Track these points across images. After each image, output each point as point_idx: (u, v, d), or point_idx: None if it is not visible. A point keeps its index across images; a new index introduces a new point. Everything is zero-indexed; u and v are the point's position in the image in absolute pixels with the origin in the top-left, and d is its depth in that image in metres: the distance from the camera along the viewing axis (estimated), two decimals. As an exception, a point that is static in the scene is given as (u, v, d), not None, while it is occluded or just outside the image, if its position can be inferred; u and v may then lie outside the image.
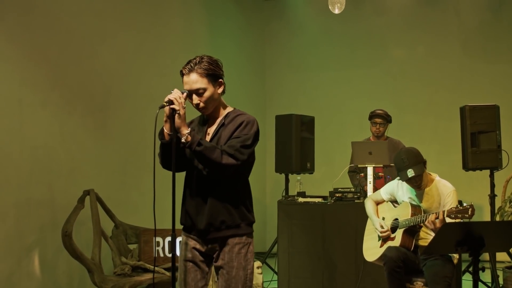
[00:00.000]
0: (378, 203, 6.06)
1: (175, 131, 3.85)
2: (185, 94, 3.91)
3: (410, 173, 5.39)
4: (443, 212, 5.19)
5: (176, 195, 3.77)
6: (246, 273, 4.01)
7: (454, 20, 10.71)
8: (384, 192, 6.00)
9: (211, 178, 3.94)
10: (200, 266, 4.09)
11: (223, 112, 4.10)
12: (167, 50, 8.27)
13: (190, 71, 3.92)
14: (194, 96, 3.95)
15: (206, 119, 4.13)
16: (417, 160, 5.44)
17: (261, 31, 11.63)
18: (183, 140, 3.82)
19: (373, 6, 11.03)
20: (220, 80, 4.02)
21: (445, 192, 5.51)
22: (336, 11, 8.96)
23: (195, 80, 3.92)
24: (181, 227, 4.08)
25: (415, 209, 5.54)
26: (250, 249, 4.06)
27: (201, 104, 3.96)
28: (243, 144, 3.91)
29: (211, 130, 4.06)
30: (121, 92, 7.42)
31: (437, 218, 5.20)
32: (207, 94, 3.95)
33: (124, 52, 7.50)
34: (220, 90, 4.04)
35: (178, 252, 4.12)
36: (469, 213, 5.00)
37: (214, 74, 3.97)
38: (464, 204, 5.06)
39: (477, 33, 10.55)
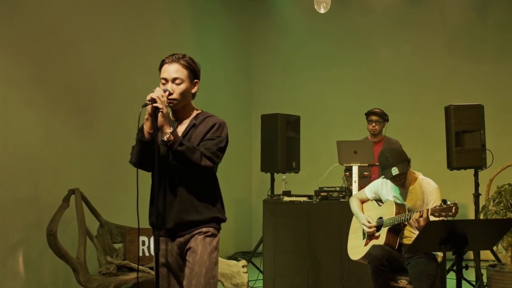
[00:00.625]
0: (363, 201, 6.08)
1: (157, 129, 3.85)
2: (167, 92, 3.92)
3: (395, 171, 5.41)
4: (427, 210, 5.20)
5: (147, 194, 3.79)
6: (211, 260, 3.99)
7: (439, 20, 10.76)
8: (369, 190, 6.02)
9: (182, 177, 3.95)
10: (174, 271, 4.09)
11: (193, 114, 4.12)
12: (153, 50, 8.24)
13: (173, 61, 3.99)
14: (170, 85, 3.98)
15: (174, 120, 4.13)
16: (401, 158, 5.46)
17: (247, 31, 11.63)
18: (165, 139, 3.83)
19: (359, 6, 11.05)
20: (197, 80, 4.08)
21: (428, 190, 5.53)
22: (322, 11, 8.97)
23: (175, 69, 3.98)
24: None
25: (400, 207, 5.56)
26: (216, 240, 4.06)
27: (174, 95, 3.97)
28: (219, 147, 3.97)
29: (181, 130, 4.05)
30: (107, 91, 7.40)
31: (421, 216, 5.21)
32: (183, 86, 3.99)
33: (109, 51, 7.48)
34: (194, 90, 4.08)
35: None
36: (453, 211, 5.01)
37: (194, 71, 4.04)
38: (448, 203, 5.07)
39: (462, 33, 10.60)
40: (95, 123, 7.20)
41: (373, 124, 7.85)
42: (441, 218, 5.08)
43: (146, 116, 3.90)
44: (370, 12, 10.97)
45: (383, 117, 7.89)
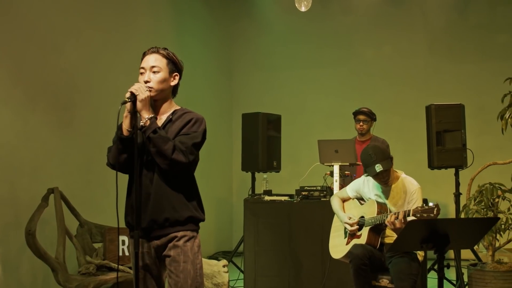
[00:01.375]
0: (344, 200, 6.08)
1: (137, 127, 3.81)
2: (146, 85, 3.89)
3: (378, 168, 5.41)
4: (404, 212, 5.22)
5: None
6: (195, 267, 3.93)
7: (420, 20, 10.79)
8: (350, 189, 6.02)
9: (158, 175, 3.89)
10: (153, 274, 4.04)
11: (171, 109, 4.05)
12: (133, 48, 8.18)
13: (153, 52, 3.98)
14: (147, 73, 3.94)
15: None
16: (384, 156, 5.47)
17: (228, 30, 11.61)
18: (141, 123, 3.79)
19: (340, 5, 11.07)
20: (176, 74, 4.03)
21: (410, 189, 5.54)
22: (303, 9, 8.97)
23: (154, 59, 3.96)
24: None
25: (381, 207, 5.56)
26: (197, 242, 3.98)
27: (151, 83, 3.91)
28: (194, 142, 3.87)
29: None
30: (86, 90, 7.34)
31: (396, 218, 5.22)
32: (160, 75, 3.93)
33: (89, 49, 7.42)
34: (173, 83, 4.02)
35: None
36: (435, 213, 5.00)
37: (174, 63, 4.00)
38: (430, 204, 5.07)
39: (443, 33, 10.64)
40: (74, 121, 7.14)
41: (361, 124, 7.86)
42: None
43: (125, 114, 3.84)
44: (351, 12, 10.99)
45: (371, 117, 7.89)
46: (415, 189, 5.53)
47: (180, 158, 3.78)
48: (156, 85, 3.93)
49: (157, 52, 3.97)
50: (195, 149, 3.88)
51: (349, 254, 5.54)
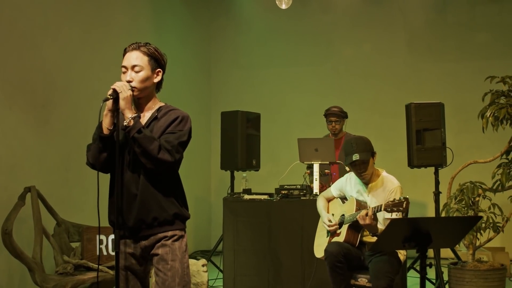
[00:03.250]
0: (329, 200, 6.10)
1: (117, 126, 3.76)
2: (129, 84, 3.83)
3: (355, 157, 5.46)
4: (373, 208, 5.26)
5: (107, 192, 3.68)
6: (183, 266, 3.92)
7: (399, 19, 10.81)
8: (334, 188, 6.04)
9: (143, 173, 3.85)
10: (137, 273, 4.01)
11: (155, 106, 4.00)
12: (111, 46, 8.14)
13: (134, 49, 3.90)
14: (129, 72, 3.88)
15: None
16: (366, 148, 5.53)
17: (207, 28, 11.57)
18: (125, 124, 3.73)
19: (320, 3, 11.06)
20: (160, 70, 3.96)
21: (390, 187, 5.55)
22: (283, 7, 8.96)
23: (135, 56, 3.88)
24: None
25: (360, 204, 5.59)
26: (184, 241, 3.98)
27: (133, 83, 3.85)
28: (180, 141, 3.83)
29: (142, 122, 3.90)
30: (64, 87, 7.27)
31: (367, 214, 5.23)
32: (142, 74, 3.87)
33: (67, 46, 7.34)
34: (156, 80, 3.95)
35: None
36: (404, 206, 5.02)
37: (156, 59, 3.94)
38: (400, 198, 5.08)
39: (422, 32, 10.68)
40: (52, 119, 7.06)
41: (333, 124, 7.88)
42: (393, 214, 5.13)
43: (105, 112, 3.79)
44: (331, 10, 10.99)
45: (342, 116, 7.89)
46: (394, 187, 5.54)
47: (166, 158, 3.74)
48: (139, 85, 3.88)
49: (138, 49, 3.90)
50: (181, 148, 3.84)
51: (324, 251, 5.57)
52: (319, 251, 5.92)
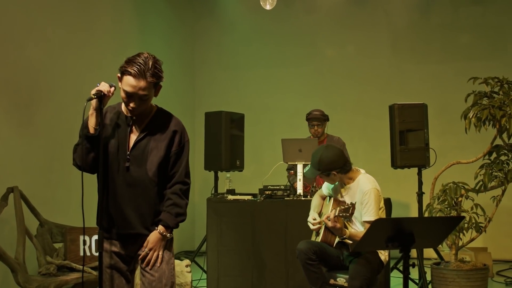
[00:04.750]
0: (324, 198, 6.09)
1: (103, 124, 3.76)
2: (113, 88, 3.81)
3: (312, 173, 5.70)
4: (333, 211, 5.35)
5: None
6: (170, 267, 3.98)
7: (383, 20, 10.84)
8: (324, 186, 6.04)
9: (135, 176, 3.88)
10: (123, 271, 4.03)
11: (150, 111, 3.99)
12: (96, 46, 8.12)
13: (141, 76, 3.73)
14: (136, 101, 3.80)
15: (130, 116, 3.97)
16: (327, 167, 5.55)
17: (191, 28, 11.55)
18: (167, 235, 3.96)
19: (304, 4, 11.08)
20: (160, 85, 3.91)
21: (364, 189, 5.50)
22: (268, 7, 8.96)
23: (143, 86, 3.76)
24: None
25: (337, 204, 5.60)
26: (170, 240, 4.04)
27: (138, 109, 3.84)
28: (187, 169, 4.05)
29: (137, 129, 3.95)
30: (48, 87, 7.24)
31: (328, 217, 5.33)
32: (148, 100, 3.86)
33: (51, 46, 7.32)
34: (157, 94, 3.93)
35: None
36: (350, 212, 5.21)
37: (160, 78, 3.85)
38: (350, 204, 5.25)
39: (406, 33, 10.71)
40: (35, 119, 7.03)
41: (315, 128, 7.86)
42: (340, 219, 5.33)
43: (90, 112, 3.79)
44: (315, 11, 11.01)
45: (324, 119, 7.89)
46: (367, 190, 5.48)
47: (187, 189, 4.05)
48: (143, 109, 3.88)
49: (145, 77, 3.75)
50: (189, 171, 4.05)
51: (296, 250, 5.60)
52: None
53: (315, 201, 6.05)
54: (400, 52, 10.70)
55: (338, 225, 5.30)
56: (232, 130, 8.09)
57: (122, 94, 3.81)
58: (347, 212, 5.18)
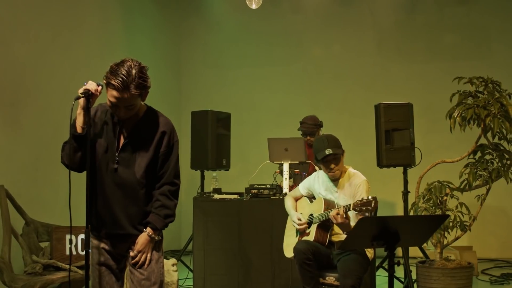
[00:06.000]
0: (297, 199, 6.10)
1: (90, 123, 3.77)
2: (100, 87, 3.81)
3: (328, 151, 5.47)
4: (344, 207, 5.26)
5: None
6: (159, 265, 3.99)
7: (369, 20, 10.88)
8: (302, 187, 6.04)
9: (126, 182, 3.89)
10: (113, 269, 4.04)
11: (139, 112, 3.98)
12: (81, 44, 8.11)
13: (124, 89, 3.71)
14: (122, 110, 3.81)
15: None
16: (337, 145, 5.57)
17: (177, 28, 11.55)
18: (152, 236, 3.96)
19: (290, 4, 11.12)
20: (147, 92, 3.89)
21: (356, 182, 5.59)
22: (254, 7, 8.98)
23: (127, 98, 3.75)
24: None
25: (328, 203, 5.61)
26: (160, 241, 4.04)
27: (125, 116, 3.85)
28: (176, 169, 4.06)
29: (126, 129, 3.95)
30: (34, 86, 7.23)
31: (338, 213, 5.25)
32: (135, 107, 3.86)
33: (37, 45, 7.30)
34: (146, 97, 3.92)
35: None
36: (372, 205, 5.06)
37: (145, 87, 3.83)
38: (369, 197, 5.12)
39: (392, 33, 10.77)
40: (21, 118, 7.02)
41: (308, 138, 7.90)
42: (360, 214, 5.18)
43: (78, 111, 3.80)
44: (301, 10, 11.05)
45: (316, 129, 7.93)
46: (360, 182, 5.57)
47: (178, 193, 4.08)
48: (130, 115, 3.89)
49: (128, 90, 3.72)
50: (178, 171, 4.09)
51: (293, 249, 5.58)
52: (288, 251, 5.92)
53: (290, 202, 6.08)
54: (385, 51, 10.76)
55: (347, 221, 5.29)
56: (218, 129, 8.09)
57: (108, 102, 3.82)
58: (369, 205, 5.06)
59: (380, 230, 4.20)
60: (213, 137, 7.97)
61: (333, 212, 5.29)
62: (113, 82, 3.69)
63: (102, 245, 4.00)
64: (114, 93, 3.71)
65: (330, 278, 5.54)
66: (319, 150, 5.56)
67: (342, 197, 5.61)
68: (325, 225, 5.58)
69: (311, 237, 5.63)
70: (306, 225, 5.73)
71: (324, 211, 5.54)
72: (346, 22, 10.93)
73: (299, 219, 5.79)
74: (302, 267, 5.48)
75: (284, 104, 10.78)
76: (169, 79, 11.21)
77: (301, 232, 5.80)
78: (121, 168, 3.89)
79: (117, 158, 3.89)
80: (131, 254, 3.95)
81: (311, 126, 7.91)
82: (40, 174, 7.22)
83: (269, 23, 11.12)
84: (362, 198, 5.17)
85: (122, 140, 3.93)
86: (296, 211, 5.98)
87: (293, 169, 7.27)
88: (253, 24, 11.15)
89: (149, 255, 3.93)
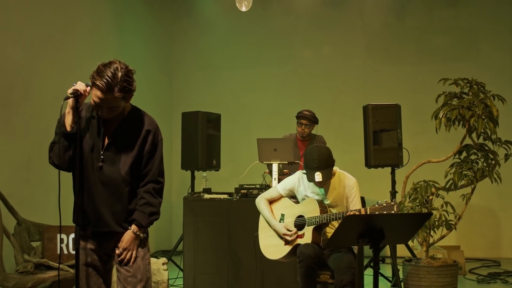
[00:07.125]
0: (273, 200, 6.01)
1: (79, 123, 3.82)
2: (89, 88, 3.85)
3: (318, 176, 5.42)
4: (365, 209, 5.22)
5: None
6: (145, 263, 4.04)
7: (358, 22, 10.95)
8: (282, 188, 5.94)
9: (111, 180, 3.95)
10: (100, 269, 4.08)
11: (124, 111, 4.02)
12: (73, 47, 8.14)
13: (108, 91, 3.75)
14: (104, 110, 3.85)
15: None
16: (328, 163, 5.47)
17: (168, 29, 11.58)
18: (138, 234, 4.01)
19: (280, 6, 11.17)
20: (132, 94, 3.91)
21: (349, 184, 5.61)
22: (243, 9, 9.02)
23: (111, 100, 3.79)
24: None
25: (323, 205, 5.56)
26: (145, 238, 4.10)
27: (107, 116, 3.90)
28: (160, 168, 4.09)
29: (111, 128, 4.00)
30: (25, 87, 7.26)
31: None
32: (118, 109, 3.89)
33: (28, 46, 7.34)
34: (130, 100, 3.95)
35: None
36: (395, 210, 5.04)
37: (129, 91, 3.84)
38: (392, 202, 5.09)
39: (381, 35, 10.83)
40: (13, 119, 7.06)
41: (303, 127, 7.90)
42: None
43: (67, 110, 3.84)
44: (291, 12, 11.11)
45: (313, 121, 7.93)
46: (353, 183, 5.62)
47: (162, 191, 4.12)
48: (113, 115, 3.93)
49: (112, 92, 3.75)
50: (163, 169, 4.12)
51: (300, 254, 5.46)
52: (271, 252, 5.85)
53: (265, 206, 5.98)
54: (375, 53, 10.82)
55: None
56: (208, 130, 8.14)
57: (92, 102, 3.87)
58: (391, 210, 5.02)
59: (365, 228, 4.24)
60: (204, 138, 8.02)
61: (351, 213, 5.23)
62: (97, 83, 3.73)
63: (89, 245, 4.03)
64: (98, 93, 3.75)
65: (325, 276, 5.54)
66: (310, 170, 5.49)
67: (333, 199, 5.61)
68: (319, 227, 5.57)
69: (308, 240, 5.55)
70: (297, 232, 5.65)
71: (320, 213, 5.48)
72: (336, 24, 10.99)
73: (289, 230, 5.68)
74: (307, 271, 5.40)
75: (274, 106, 10.84)
76: (160, 80, 11.25)
77: (286, 241, 5.72)
78: (106, 166, 3.93)
79: (102, 156, 3.93)
80: (117, 251, 3.99)
81: (309, 115, 7.90)
82: (32, 175, 7.25)
83: (260, 25, 11.18)
84: (378, 202, 5.17)
85: (107, 139, 3.97)
86: (272, 213, 5.93)
87: (282, 169, 7.32)
88: (244, 26, 11.20)
89: (134, 252, 3.98)
